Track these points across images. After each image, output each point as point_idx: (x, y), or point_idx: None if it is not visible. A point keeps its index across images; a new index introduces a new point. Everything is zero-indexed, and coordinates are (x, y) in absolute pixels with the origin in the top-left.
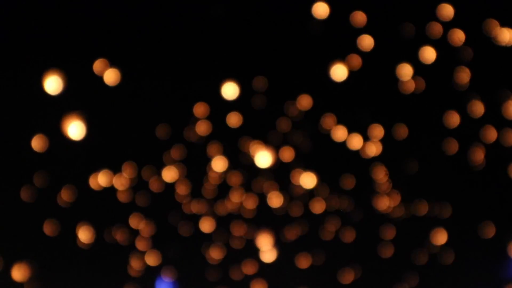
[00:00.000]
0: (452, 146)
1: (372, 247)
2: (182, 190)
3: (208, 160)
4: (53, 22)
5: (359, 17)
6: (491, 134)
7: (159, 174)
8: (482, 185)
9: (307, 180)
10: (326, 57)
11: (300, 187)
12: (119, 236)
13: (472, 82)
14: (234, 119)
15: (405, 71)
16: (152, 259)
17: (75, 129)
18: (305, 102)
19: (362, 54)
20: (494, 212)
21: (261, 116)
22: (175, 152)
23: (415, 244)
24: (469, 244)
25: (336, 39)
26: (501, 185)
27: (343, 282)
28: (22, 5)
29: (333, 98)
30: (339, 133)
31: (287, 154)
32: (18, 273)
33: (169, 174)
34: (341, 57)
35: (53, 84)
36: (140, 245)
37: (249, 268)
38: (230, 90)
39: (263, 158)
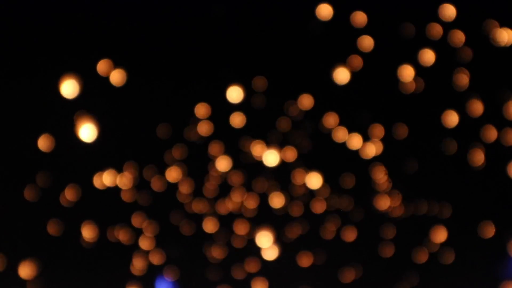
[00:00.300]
0: (452, 146)
1: (373, 246)
2: (185, 189)
3: (210, 160)
4: (57, 24)
5: (360, 18)
6: (491, 134)
7: (162, 173)
8: (482, 185)
9: (313, 180)
10: (327, 57)
11: (301, 186)
12: (122, 235)
13: (472, 83)
14: (237, 119)
15: (407, 72)
16: (155, 258)
17: (87, 131)
18: (306, 101)
19: (362, 54)
20: (494, 212)
21: (262, 116)
22: (178, 152)
23: (416, 243)
24: (469, 243)
25: (337, 39)
26: (501, 184)
27: (344, 281)
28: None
29: (334, 98)
30: (340, 133)
31: (289, 154)
32: (22, 272)
33: (173, 173)
34: (342, 58)
35: (68, 87)
36: (143, 244)
37: (250, 267)
38: (235, 94)
39: (271, 157)
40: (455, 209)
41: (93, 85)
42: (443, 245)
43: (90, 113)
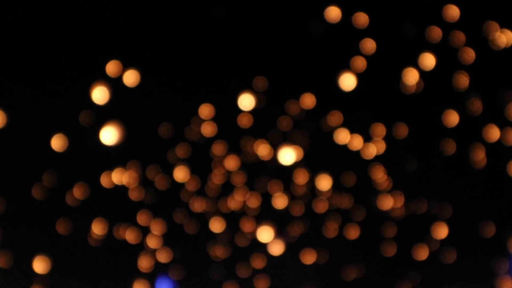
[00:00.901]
0: (453, 145)
1: (375, 245)
2: (190, 188)
3: (213, 159)
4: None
5: (362, 19)
6: (493, 134)
7: (167, 172)
8: (483, 184)
9: (322, 183)
10: (329, 58)
11: (303, 186)
12: (129, 233)
13: (474, 83)
14: (243, 120)
15: (411, 74)
16: (160, 257)
17: (108, 135)
18: (308, 101)
19: (364, 56)
20: (494, 211)
21: (265, 116)
22: (183, 151)
23: (417, 242)
24: (470, 242)
25: (339, 40)
26: (502, 184)
27: (346, 279)
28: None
29: (336, 98)
30: (341, 132)
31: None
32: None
33: (178, 172)
34: (344, 59)
35: (98, 93)
36: (149, 242)
37: (254, 265)
38: (246, 101)
39: (287, 155)
40: (456, 208)
41: (104, 87)
42: (444, 244)
43: (106, 115)
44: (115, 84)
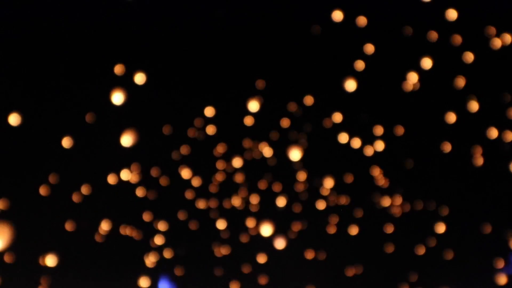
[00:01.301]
0: (451, 145)
1: (373, 242)
2: (193, 187)
3: (219, 159)
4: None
5: (362, 22)
6: (491, 133)
7: (174, 171)
8: (481, 182)
9: (323, 181)
10: (332, 61)
11: (303, 184)
12: (134, 231)
13: (471, 84)
14: (246, 121)
15: (410, 76)
16: (165, 253)
17: (127, 139)
18: (309, 102)
19: (365, 58)
20: (492, 209)
21: (267, 117)
22: (187, 151)
23: (415, 239)
24: (468, 240)
25: (339, 42)
26: (500, 182)
27: (346, 275)
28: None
29: (337, 99)
30: (342, 133)
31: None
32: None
33: (184, 171)
34: (346, 61)
35: (118, 97)
36: (154, 239)
37: (254, 262)
38: (253, 106)
39: (295, 153)
40: (454, 206)
41: (114, 89)
42: (442, 241)
43: (112, 115)
44: (123, 86)
